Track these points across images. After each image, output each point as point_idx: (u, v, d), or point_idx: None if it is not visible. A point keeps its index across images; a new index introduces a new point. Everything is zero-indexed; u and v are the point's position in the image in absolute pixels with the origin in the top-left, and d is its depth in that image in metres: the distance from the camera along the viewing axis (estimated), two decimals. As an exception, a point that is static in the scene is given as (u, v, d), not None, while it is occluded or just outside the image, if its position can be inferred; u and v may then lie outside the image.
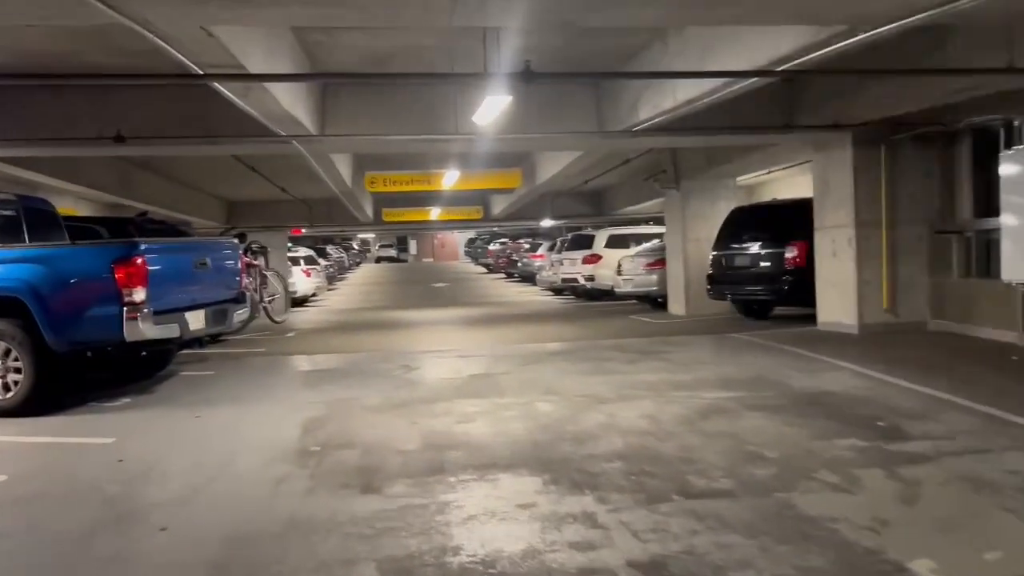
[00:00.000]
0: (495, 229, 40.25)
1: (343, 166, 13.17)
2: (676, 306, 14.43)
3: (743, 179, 15.82)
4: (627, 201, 21.82)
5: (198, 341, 7.54)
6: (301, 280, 22.48)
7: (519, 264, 31.51)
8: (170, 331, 6.74)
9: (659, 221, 23.30)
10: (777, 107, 9.31)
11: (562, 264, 21.23)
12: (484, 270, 42.04)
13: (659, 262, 15.52)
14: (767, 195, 18.62)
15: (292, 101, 7.07)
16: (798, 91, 9.29)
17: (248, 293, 9.90)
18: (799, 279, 11.11)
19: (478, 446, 5.21)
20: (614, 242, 19.93)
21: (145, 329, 6.44)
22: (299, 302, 22.49)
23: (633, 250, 18.16)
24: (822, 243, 10.38)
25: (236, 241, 8.37)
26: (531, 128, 8.97)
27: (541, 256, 27.58)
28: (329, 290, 28.87)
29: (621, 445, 5.13)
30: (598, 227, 23.23)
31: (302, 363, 9.61)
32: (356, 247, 55.15)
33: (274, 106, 6.70)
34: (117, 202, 14.57)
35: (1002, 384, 6.62)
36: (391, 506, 4.12)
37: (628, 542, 3.58)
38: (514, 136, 9.02)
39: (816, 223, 10.51)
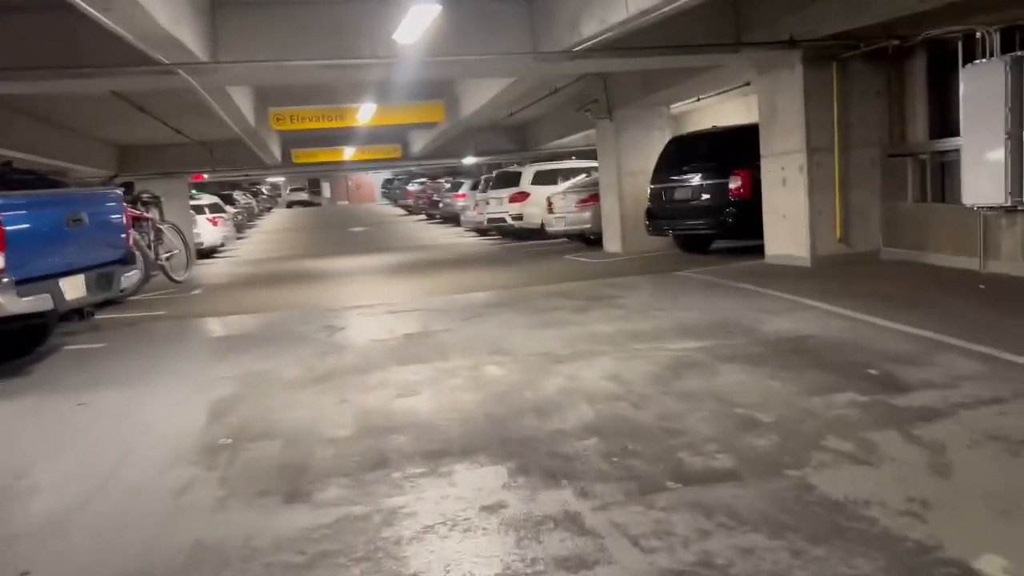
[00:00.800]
0: (413, 169, 38.81)
1: (243, 101, 11.80)
2: (612, 244, 13.80)
3: (674, 108, 15.12)
4: (553, 135, 20.93)
5: (79, 312, 6.38)
6: (207, 230, 21.02)
7: (440, 205, 30.47)
8: (40, 303, 5.60)
9: (584, 155, 22.66)
10: (725, 24, 8.56)
11: (487, 203, 20.35)
12: (403, 212, 40.84)
13: (592, 198, 14.82)
14: (694, 124, 18.04)
15: (173, 19, 5.84)
16: (748, 6, 8.54)
17: (138, 252, 8.69)
18: (744, 211, 10.58)
19: (424, 427, 4.40)
20: (541, 178, 19.14)
21: (6, 303, 5.30)
22: (206, 254, 21.07)
23: (563, 186, 17.41)
24: (769, 172, 9.80)
25: (118, 191, 7.12)
26: (457, 49, 7.94)
27: (463, 196, 26.63)
28: (238, 239, 27.33)
29: (591, 415, 4.40)
30: (520, 163, 22.38)
31: (209, 327, 8.52)
32: (266, 192, 52.88)
33: (149, 25, 5.48)
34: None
35: (982, 318, 6.19)
36: (324, 519, 3.28)
37: (628, 553, 2.85)
38: (438, 59, 7.95)
39: (763, 150, 9.90)
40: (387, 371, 5.66)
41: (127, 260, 6.89)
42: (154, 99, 11.80)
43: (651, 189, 11.98)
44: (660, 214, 11.81)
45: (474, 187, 25.07)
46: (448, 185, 31.37)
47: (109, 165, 18.78)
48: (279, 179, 57.55)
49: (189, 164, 19.60)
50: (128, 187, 9.62)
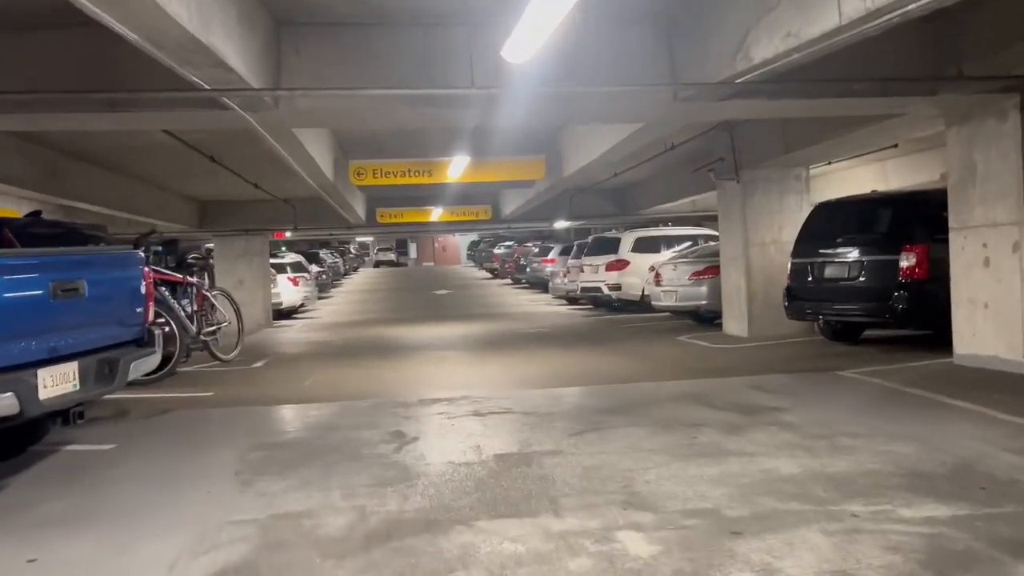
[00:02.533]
0: (500, 231, 37.62)
1: (320, 151, 10.44)
2: (735, 325, 11.73)
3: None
4: (657, 199, 19.12)
5: (62, 415, 4.78)
6: (286, 290, 20.18)
7: (528, 269, 28.99)
8: (-1, 405, 4.02)
9: (680, 222, 20.74)
10: (921, 55, 6.64)
11: (582, 270, 18.65)
12: (488, 275, 39.68)
13: (709, 270, 12.84)
14: (819, 191, 15.97)
15: (198, 17, 4.30)
16: (954, 33, 6.60)
17: (175, 326, 7.21)
18: (919, 295, 8.46)
19: None
20: (642, 246, 17.40)
21: (-58, 406, 3.75)
22: (285, 314, 20.17)
23: (670, 255, 15.55)
24: (964, 248, 7.68)
25: (138, 252, 5.57)
26: (576, 79, 6.23)
27: (552, 261, 25.12)
28: (321, 299, 26.41)
29: None
30: (616, 228, 20.63)
31: (251, 424, 6.87)
32: (353, 251, 52.93)
33: (160, 20, 3.93)
34: (69, 204, 11.98)
35: None
36: None
37: None
38: (551, 89, 6.20)
39: (954, 222, 7.81)
40: (472, 529, 3.80)
41: (144, 342, 5.33)
42: (222, 148, 10.60)
43: (793, 264, 9.93)
44: (804, 294, 9.73)
45: (563, 252, 23.56)
46: (536, 249, 30.01)
47: (190, 220, 17.97)
48: (368, 239, 57.56)
49: (270, 221, 18.63)
50: (171, 245, 8.24)
